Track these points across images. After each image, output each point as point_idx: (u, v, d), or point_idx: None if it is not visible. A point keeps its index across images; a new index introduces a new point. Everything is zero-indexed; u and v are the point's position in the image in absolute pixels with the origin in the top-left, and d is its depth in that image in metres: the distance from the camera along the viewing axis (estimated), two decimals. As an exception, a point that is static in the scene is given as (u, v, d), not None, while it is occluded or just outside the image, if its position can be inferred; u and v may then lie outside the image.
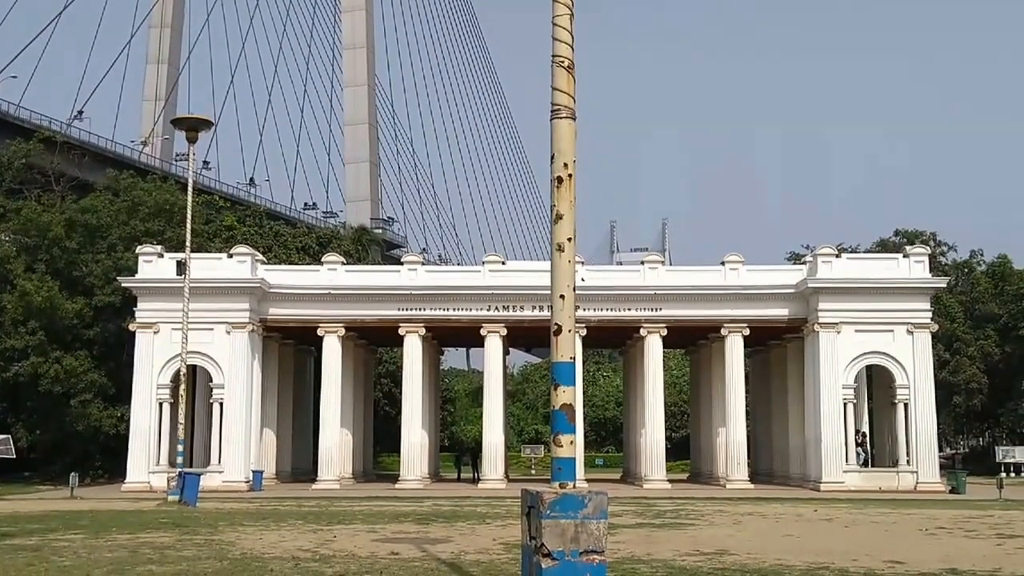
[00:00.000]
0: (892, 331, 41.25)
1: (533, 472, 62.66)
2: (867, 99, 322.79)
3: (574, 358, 10.57)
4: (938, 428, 43.53)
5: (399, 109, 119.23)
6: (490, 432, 43.76)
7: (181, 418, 35.36)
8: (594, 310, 41.67)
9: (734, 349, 43.20)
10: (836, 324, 41.01)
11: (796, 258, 55.91)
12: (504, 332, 43.41)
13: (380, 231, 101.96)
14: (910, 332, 41.11)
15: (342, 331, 43.15)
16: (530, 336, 49.20)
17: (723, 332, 43.20)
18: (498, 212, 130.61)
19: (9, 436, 41.34)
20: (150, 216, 48.57)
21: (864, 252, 56.31)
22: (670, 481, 43.93)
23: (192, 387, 40.61)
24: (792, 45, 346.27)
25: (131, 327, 41.41)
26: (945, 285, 47.15)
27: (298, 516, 26.41)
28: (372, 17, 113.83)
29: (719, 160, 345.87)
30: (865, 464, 42.34)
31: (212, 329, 40.59)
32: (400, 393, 46.69)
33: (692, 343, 50.78)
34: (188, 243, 35.51)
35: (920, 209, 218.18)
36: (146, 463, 40.32)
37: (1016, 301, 59.51)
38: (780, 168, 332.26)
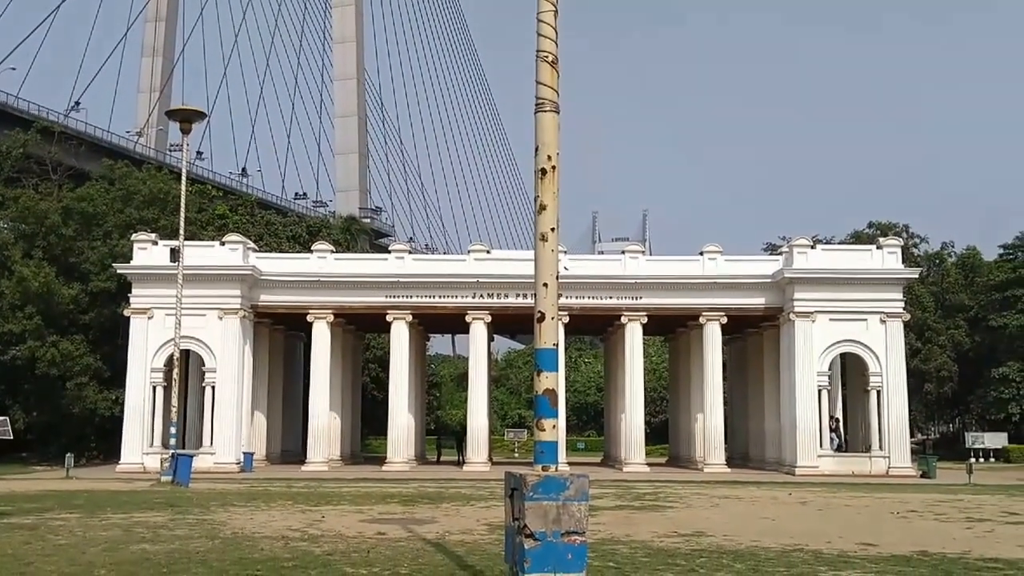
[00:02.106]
0: (865, 320, 41.62)
1: (516, 455, 62.92)
2: (844, 92, 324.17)
3: (557, 345, 10.77)
4: (909, 415, 43.82)
5: (387, 102, 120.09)
6: (475, 416, 44.11)
7: (174, 401, 35.65)
8: (576, 298, 42.01)
9: (712, 337, 43.51)
10: (811, 313, 41.38)
11: (773, 249, 56.43)
12: (489, 319, 43.78)
13: (368, 220, 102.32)
14: (883, 321, 41.50)
15: (331, 317, 43.54)
16: (514, 323, 49.77)
17: (701, 320, 43.52)
18: (483, 202, 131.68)
19: (7, 418, 41.25)
20: (145, 205, 48.95)
21: (839, 243, 56.51)
22: (649, 464, 44.12)
23: (185, 371, 40.72)
24: (772, 39, 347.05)
25: (126, 312, 41.73)
26: (917, 276, 47.72)
27: (287, 497, 26.57)
28: (361, 12, 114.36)
29: (699, 153, 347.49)
30: (839, 449, 42.60)
31: (205, 315, 40.97)
32: (387, 378, 46.87)
33: (671, 330, 51.02)
34: (182, 231, 35.97)
35: (893, 202, 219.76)
36: (140, 445, 40.61)
37: (985, 292, 60.50)
38: (758, 161, 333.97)
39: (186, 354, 40.56)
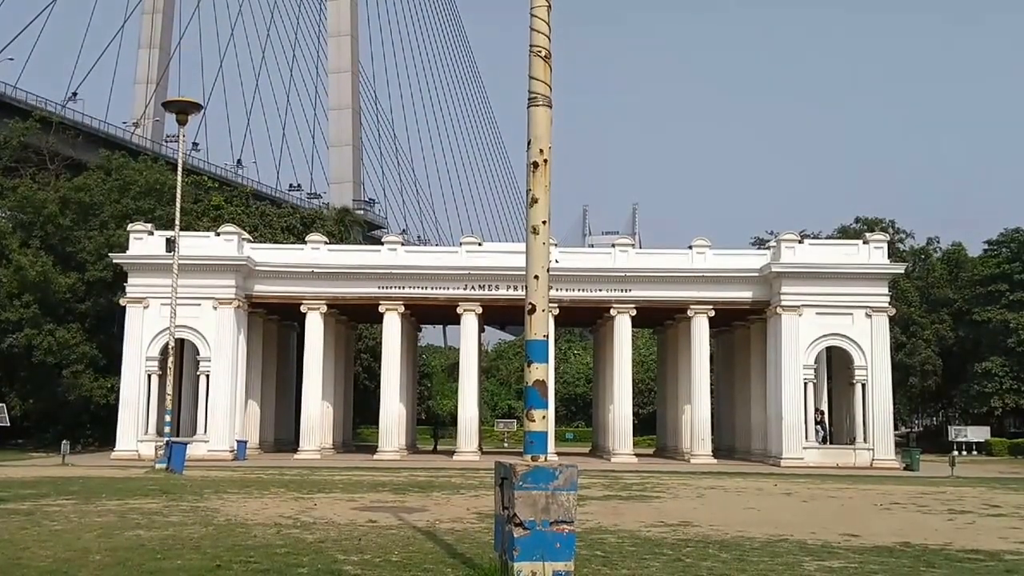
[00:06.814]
0: (851, 314, 41.93)
1: (506, 445, 63.39)
2: (833, 88, 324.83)
3: (547, 336, 10.80)
4: (894, 408, 44.10)
5: (382, 95, 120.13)
6: (465, 406, 44.45)
7: (169, 389, 35.77)
8: (566, 290, 42.37)
9: (700, 329, 43.80)
10: (798, 307, 41.72)
11: (760, 243, 56.51)
12: (480, 310, 44.08)
13: (362, 212, 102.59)
14: (868, 315, 41.82)
15: (324, 308, 43.89)
16: (505, 314, 49.90)
17: (689, 313, 43.82)
18: (475, 195, 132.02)
19: (3, 405, 42.15)
20: (141, 195, 49.19)
21: (825, 238, 56.77)
22: (637, 455, 44.44)
23: (180, 360, 40.95)
24: (762, 33, 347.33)
25: (122, 302, 41.97)
26: (903, 271, 48.17)
27: (280, 484, 26.73)
28: (356, 5, 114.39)
29: (689, 148, 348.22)
30: (824, 441, 42.98)
31: (200, 304, 41.21)
32: (379, 367, 47.29)
33: (660, 323, 51.26)
34: (177, 221, 36.09)
35: (880, 197, 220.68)
36: (135, 432, 41.00)
37: (970, 287, 60.95)
38: (747, 156, 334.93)
39: (181, 343, 40.73)
